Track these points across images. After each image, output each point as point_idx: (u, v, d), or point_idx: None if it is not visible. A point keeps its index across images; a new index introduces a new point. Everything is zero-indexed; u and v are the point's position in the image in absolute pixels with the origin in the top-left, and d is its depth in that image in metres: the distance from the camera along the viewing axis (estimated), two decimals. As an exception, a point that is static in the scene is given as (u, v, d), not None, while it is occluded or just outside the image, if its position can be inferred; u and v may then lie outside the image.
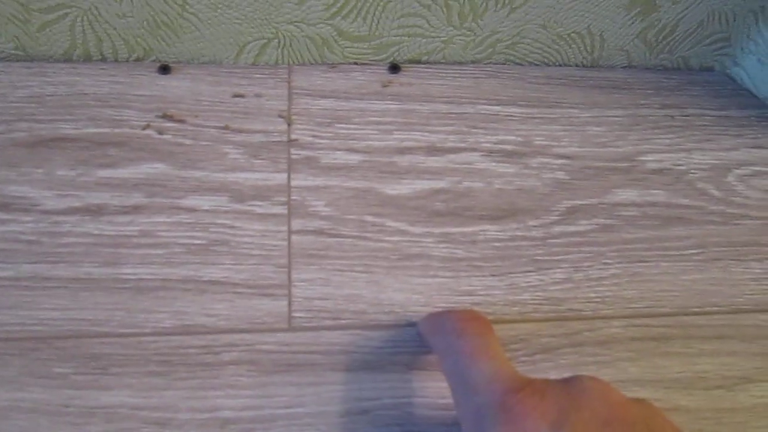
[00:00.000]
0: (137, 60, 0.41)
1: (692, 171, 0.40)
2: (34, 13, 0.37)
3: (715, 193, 0.39)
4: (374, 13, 0.39)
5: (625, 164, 0.40)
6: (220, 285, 0.32)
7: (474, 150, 0.39)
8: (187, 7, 0.37)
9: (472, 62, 0.43)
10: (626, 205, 0.38)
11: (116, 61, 0.40)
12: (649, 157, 0.40)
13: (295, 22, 0.39)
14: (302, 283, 0.33)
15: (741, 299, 0.35)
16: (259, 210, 0.35)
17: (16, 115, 0.37)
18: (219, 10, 0.38)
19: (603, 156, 0.40)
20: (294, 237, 0.34)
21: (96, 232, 0.33)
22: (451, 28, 0.41)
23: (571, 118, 0.41)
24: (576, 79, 0.44)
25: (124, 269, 0.32)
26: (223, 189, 0.35)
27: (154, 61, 0.41)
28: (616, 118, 0.42)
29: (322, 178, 0.36)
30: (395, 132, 0.39)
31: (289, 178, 0.36)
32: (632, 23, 0.42)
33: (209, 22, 0.38)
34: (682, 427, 0.28)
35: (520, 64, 0.44)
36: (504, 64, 0.44)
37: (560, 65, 0.44)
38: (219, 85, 0.40)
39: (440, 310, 0.31)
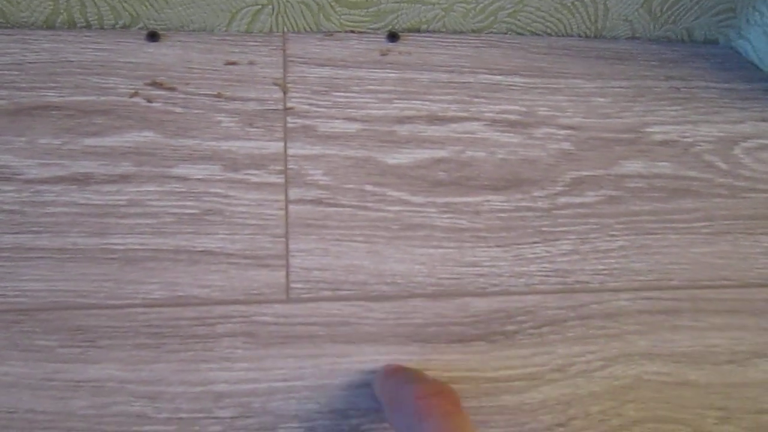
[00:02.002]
0: (124, 27, 0.39)
1: (699, 143, 0.39)
2: (15, -25, 0.35)
3: (722, 165, 0.38)
4: (372, -22, 0.38)
5: (631, 135, 0.38)
6: (214, 255, 0.31)
7: (476, 119, 0.37)
8: (177, -32, 0.36)
9: (473, 31, 0.42)
10: (633, 177, 0.37)
11: (102, 28, 0.39)
12: (655, 129, 0.39)
13: (290, -14, 0.37)
14: (300, 254, 0.31)
15: (751, 273, 0.34)
16: (254, 179, 0.33)
17: (-4, 82, 0.35)
18: (211, -27, 0.36)
19: (608, 127, 0.39)
20: (291, 206, 0.32)
21: (82, 201, 0.32)
22: (452, -6, 0.39)
23: (575, 89, 0.40)
24: (579, 49, 0.43)
25: (112, 239, 0.31)
26: (216, 157, 0.34)
27: (141, 28, 0.39)
28: (621, 89, 0.41)
29: (320, 147, 0.35)
30: (395, 101, 0.37)
31: (285, 146, 0.34)
32: (637, -8, 0.41)
33: (200, -15, 0.37)
34: (691, 401, 0.27)
35: (522, 34, 0.42)
36: (505, 33, 0.42)
37: (563, 35, 0.43)
38: (210, 52, 0.38)
39: (399, 371, 0.27)
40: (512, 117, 0.38)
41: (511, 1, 0.40)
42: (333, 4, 0.38)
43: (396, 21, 0.40)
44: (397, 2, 0.39)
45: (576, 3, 0.41)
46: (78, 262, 0.30)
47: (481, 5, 0.40)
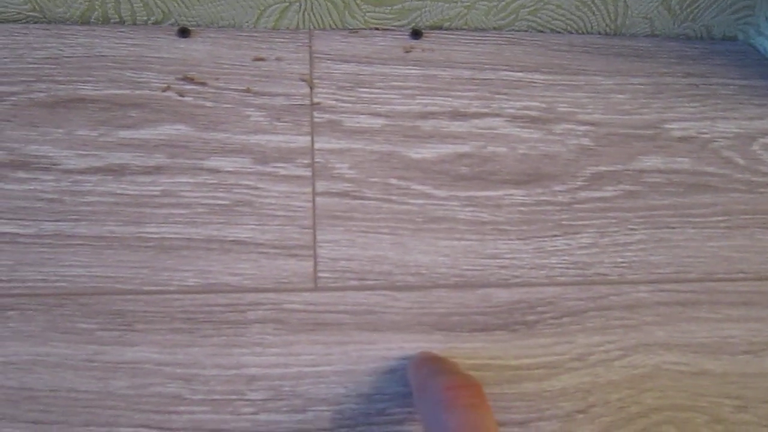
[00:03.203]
0: (155, 23, 0.40)
1: (717, 139, 0.39)
2: (53, -28, 0.37)
3: (740, 161, 0.39)
4: (397, -24, 0.39)
5: (650, 131, 0.39)
6: (245, 245, 0.32)
7: (497, 115, 0.38)
8: (208, -33, 0.37)
9: (494, 29, 0.43)
10: (651, 172, 0.37)
11: (134, 24, 0.40)
12: (674, 125, 0.40)
13: (318, -16, 0.38)
14: (327, 244, 0.32)
15: (767, 266, 0.35)
16: (282, 172, 0.34)
17: (34, 76, 0.37)
18: (241, -29, 0.37)
19: (627, 123, 0.39)
20: (318, 199, 0.34)
21: (118, 191, 0.33)
22: (475, -8, 0.40)
23: (594, 86, 0.41)
24: (598, 46, 0.43)
25: (147, 228, 0.32)
26: (246, 151, 0.35)
27: (172, 24, 0.40)
28: (640, 86, 0.41)
29: (346, 141, 0.36)
30: (418, 97, 0.38)
31: (312, 140, 0.35)
32: (657, -10, 0.41)
33: (230, -17, 0.38)
34: (708, 390, 0.28)
35: (543, 32, 0.43)
36: (526, 31, 0.43)
37: (582, 33, 0.44)
38: (239, 48, 0.39)
39: (432, 361, 0.28)
40: (533, 113, 0.39)
41: (533, 0, 0.41)
42: (359, 1, 0.39)
43: (419, 18, 0.41)
44: (421, 0, 0.40)
45: (596, 1, 0.41)
46: (115, 249, 0.31)
47: (503, 3, 0.41)
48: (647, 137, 0.39)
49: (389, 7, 0.40)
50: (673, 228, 0.36)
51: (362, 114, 0.37)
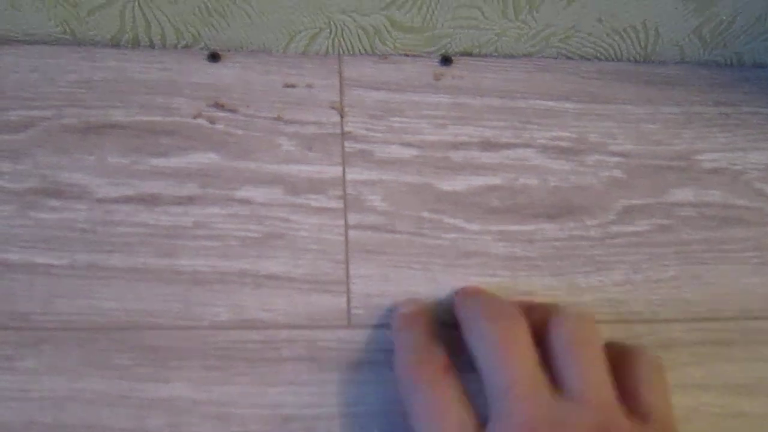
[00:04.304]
0: (185, 47, 0.40)
1: (749, 171, 0.39)
2: (84, -2, 0.37)
3: (772, 194, 0.39)
4: (429, 4, 0.38)
5: (681, 163, 0.39)
6: (278, 280, 0.32)
7: (528, 146, 0.38)
8: (240, -6, 0.37)
9: (525, 55, 0.42)
10: (683, 205, 0.37)
11: (164, 47, 0.40)
12: (705, 156, 0.39)
13: (349, 11, 0.38)
14: (360, 280, 0.32)
15: (802, 304, 0.35)
16: (314, 204, 0.34)
17: (65, 101, 0.37)
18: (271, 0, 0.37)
19: (658, 154, 0.39)
20: (351, 232, 0.33)
21: (151, 222, 0.33)
22: (506, 20, 0.40)
23: (625, 115, 0.40)
24: (629, 74, 0.43)
25: (180, 260, 0.32)
26: (278, 181, 0.35)
27: (202, 48, 0.40)
28: (671, 115, 0.41)
29: (377, 172, 0.36)
30: (449, 126, 0.38)
31: (344, 171, 0.35)
32: (689, 18, 0.41)
33: (262, 10, 0.38)
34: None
35: (572, 58, 0.43)
36: (556, 58, 0.43)
37: (613, 60, 0.44)
38: (269, 74, 0.39)
39: (475, 290, 0.31)
40: (564, 144, 0.38)
41: (563, 27, 0.41)
42: (389, 28, 0.39)
43: (449, 45, 0.41)
44: (452, 27, 0.40)
45: (628, 28, 0.41)
46: (148, 282, 0.31)
47: (534, 30, 0.40)
48: (678, 169, 0.39)
49: (420, 34, 0.40)
50: (707, 264, 0.35)
51: (393, 144, 0.37)
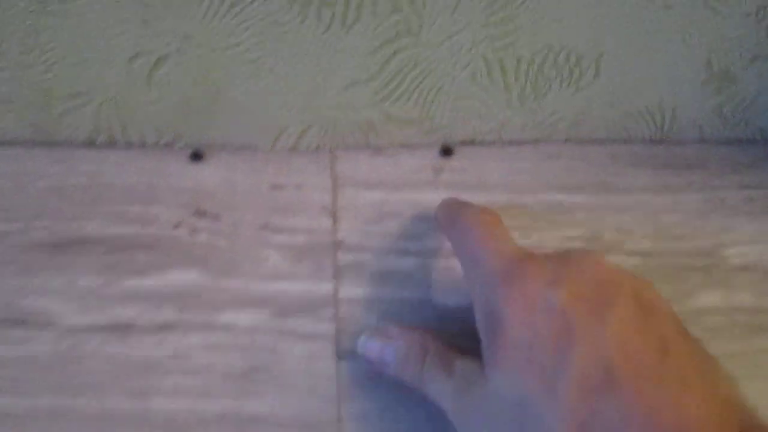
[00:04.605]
0: (166, 145, 0.37)
1: (781, 267, 0.36)
2: (55, 100, 0.34)
3: (808, 293, 0.35)
4: (427, 97, 0.35)
5: (706, 260, 0.36)
6: (263, 423, 0.28)
7: (538, 249, 0.35)
8: (221, 93, 0.34)
9: (531, 142, 0.39)
10: (710, 313, 0.34)
11: (143, 146, 0.37)
12: (732, 251, 0.36)
13: (339, 107, 0.35)
14: (354, 420, 0.29)
15: None
16: (303, 329, 0.31)
17: (35, 211, 0.34)
18: (255, 97, 0.34)
19: (680, 251, 0.36)
20: (343, 363, 0.30)
21: (123, 354, 0.30)
22: (510, 109, 0.37)
23: (642, 205, 0.37)
24: (644, 157, 0.40)
25: (155, 401, 0.29)
26: (264, 302, 0.32)
27: (184, 146, 0.37)
28: (692, 203, 0.38)
29: (373, 288, 0.33)
30: (450, 228, 0.35)
31: (335, 288, 0.32)
32: (708, 97, 0.38)
33: (246, 107, 0.35)
34: None
35: (583, 142, 0.40)
36: (564, 142, 0.40)
37: (626, 142, 0.40)
38: (256, 174, 0.36)
39: (454, 200, 0.33)
40: (577, 244, 0.35)
41: (572, 113, 0.38)
42: (384, 121, 0.36)
43: (449, 135, 0.38)
44: (452, 118, 0.37)
45: (642, 111, 0.38)
46: (120, 426, 0.28)
47: (540, 117, 0.37)
48: (703, 268, 0.35)
49: (418, 126, 0.37)
50: (740, 381, 0.32)
51: (390, 252, 0.34)
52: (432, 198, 0.36)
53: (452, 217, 0.30)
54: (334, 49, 0.32)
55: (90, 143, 0.37)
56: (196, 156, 0.37)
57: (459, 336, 0.29)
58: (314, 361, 0.30)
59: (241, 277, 0.32)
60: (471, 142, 0.39)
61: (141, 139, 0.37)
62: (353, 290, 0.32)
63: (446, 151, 0.38)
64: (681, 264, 0.35)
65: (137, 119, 0.35)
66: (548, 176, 0.38)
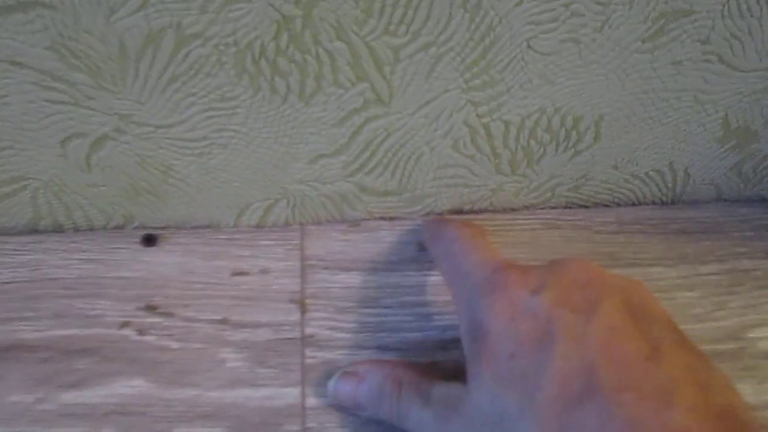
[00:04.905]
0: (117, 228, 0.33)
1: (817, 350, 0.31)
2: (-13, 185, 0.30)
3: None
4: (405, 167, 0.31)
5: (731, 346, 0.31)
6: None
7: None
8: (171, 173, 0.30)
9: (527, 208, 0.35)
10: (739, 410, 0.29)
11: (91, 230, 0.33)
12: (760, 333, 0.32)
13: (307, 181, 0.31)
14: None
15: None
16: (264, 450, 0.26)
17: (-34, 313, 0.30)
18: (211, 174, 0.30)
19: (701, 336, 0.31)
20: (311, 494, 0.26)
21: (54, 490, 0.26)
22: (501, 176, 0.33)
23: (654, 281, 0.33)
24: (654, 222, 0.35)
25: None
26: (219, 415, 0.27)
27: (137, 228, 0.33)
28: (712, 277, 0.33)
29: (346, 395, 0.28)
30: (436, 316, 0.31)
31: (303, 394, 0.28)
32: (725, 156, 0.34)
33: (200, 186, 0.31)
34: None
35: (585, 206, 0.36)
36: (565, 207, 0.35)
37: (634, 204, 0.36)
38: (216, 258, 0.32)
39: (438, 217, 0.33)
40: (581, 331, 0.31)
41: (572, 177, 0.33)
42: (359, 193, 0.32)
43: (435, 204, 0.34)
44: (436, 187, 0.33)
45: (651, 173, 0.34)
46: None
47: (536, 183, 0.33)
48: (728, 355, 0.31)
49: (397, 197, 0.33)
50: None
51: (366, 348, 0.30)
52: (415, 281, 0.32)
53: (436, 231, 0.30)
54: (295, 121, 0.28)
55: (32, 229, 0.33)
56: (149, 240, 0.33)
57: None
58: (276, 493, 0.26)
59: (195, 386, 0.28)
60: (459, 211, 0.35)
61: (88, 223, 0.33)
62: (324, 397, 0.28)
63: (431, 224, 0.34)
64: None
65: (81, 203, 0.31)
66: (547, 249, 0.34)
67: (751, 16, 0.27)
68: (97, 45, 0.24)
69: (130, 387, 0.28)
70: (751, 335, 0.32)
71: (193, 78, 0.26)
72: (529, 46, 0.26)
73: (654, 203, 0.36)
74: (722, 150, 0.33)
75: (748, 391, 0.30)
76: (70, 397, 0.28)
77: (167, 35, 0.24)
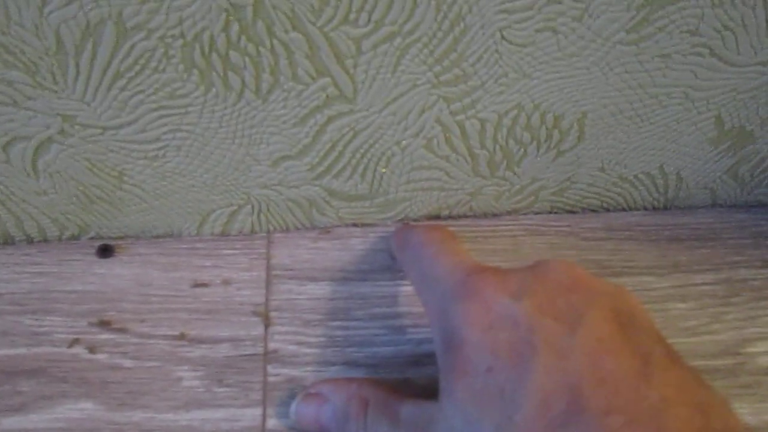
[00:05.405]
0: (72, 239, 0.31)
1: (821, 364, 0.29)
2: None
3: None
4: (375, 170, 0.29)
5: (728, 362, 0.29)
6: None
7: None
8: (124, 178, 0.28)
9: (509, 213, 0.33)
10: None
11: (45, 241, 0.31)
12: (759, 347, 0.29)
13: (271, 185, 0.29)
14: None
15: None
16: (219, 479, 0.24)
17: None
18: (167, 179, 0.28)
19: (695, 350, 0.29)
20: None
21: None
22: (479, 178, 0.31)
23: (645, 292, 0.31)
24: (645, 229, 0.33)
25: None
26: (172, 440, 0.25)
27: (93, 238, 0.31)
28: (707, 287, 0.31)
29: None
30: (409, 329, 0.29)
31: (264, 416, 0.26)
32: (720, 159, 0.32)
33: (157, 192, 0.29)
34: None
35: (572, 212, 0.33)
36: (550, 213, 0.33)
37: (623, 209, 0.34)
38: (175, 269, 0.30)
39: (405, 225, 0.31)
40: (566, 345, 0.28)
41: (556, 180, 0.31)
42: (328, 198, 0.30)
43: (409, 209, 0.32)
44: (409, 191, 0.30)
45: (640, 176, 0.32)
46: None
47: (517, 186, 0.31)
48: (725, 371, 0.28)
49: (369, 201, 0.31)
50: None
51: (334, 364, 0.28)
52: (388, 291, 0.30)
53: (403, 238, 0.28)
54: (253, 120, 0.26)
55: (-19, 240, 0.31)
56: (105, 251, 0.31)
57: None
58: None
59: (147, 408, 0.26)
60: (437, 217, 0.33)
61: (41, 233, 0.31)
62: (286, 418, 0.26)
63: (406, 231, 0.32)
64: (697, 367, 0.28)
65: (31, 212, 0.29)
66: (530, 257, 0.32)
67: (745, 4, 0.25)
68: (31, 39, 0.22)
69: (78, 410, 0.26)
70: (749, 350, 0.29)
71: (140, 74, 0.24)
72: (502, 37, 0.24)
73: (645, 208, 0.34)
74: (716, 152, 0.31)
75: (747, 411, 0.28)
76: (11, 422, 0.26)
77: (107, 27, 0.22)
